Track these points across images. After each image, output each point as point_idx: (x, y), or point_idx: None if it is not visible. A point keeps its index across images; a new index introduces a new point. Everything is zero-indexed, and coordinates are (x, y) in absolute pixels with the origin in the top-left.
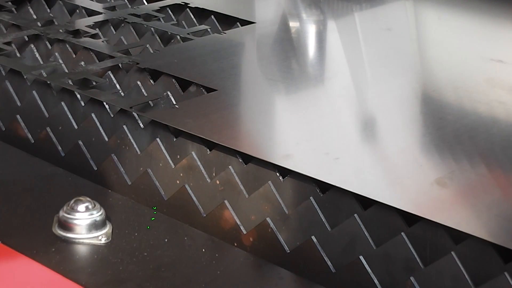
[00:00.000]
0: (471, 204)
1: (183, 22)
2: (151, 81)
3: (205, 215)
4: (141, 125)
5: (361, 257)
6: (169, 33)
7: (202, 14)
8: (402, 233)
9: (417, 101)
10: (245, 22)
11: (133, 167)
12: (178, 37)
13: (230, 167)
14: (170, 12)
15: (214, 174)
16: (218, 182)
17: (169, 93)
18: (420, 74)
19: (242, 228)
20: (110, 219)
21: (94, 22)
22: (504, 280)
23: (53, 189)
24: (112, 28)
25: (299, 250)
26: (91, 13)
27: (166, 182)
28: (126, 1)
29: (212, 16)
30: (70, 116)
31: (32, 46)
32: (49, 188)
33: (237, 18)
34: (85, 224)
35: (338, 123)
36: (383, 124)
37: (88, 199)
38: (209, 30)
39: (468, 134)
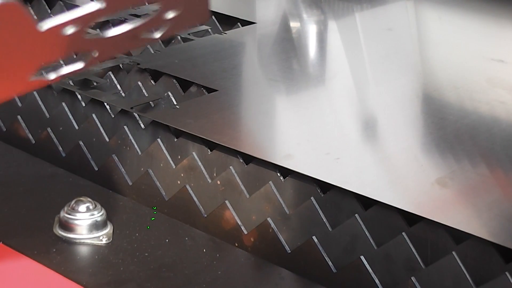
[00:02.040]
0: (472, 204)
1: None
2: (152, 81)
3: (206, 216)
4: (142, 126)
5: (362, 257)
6: None
7: None
8: (403, 233)
9: (418, 101)
10: (245, 23)
11: (134, 168)
12: (179, 37)
13: (231, 167)
14: None
15: (215, 174)
16: (219, 182)
17: (169, 93)
18: (420, 74)
19: (243, 228)
20: (111, 220)
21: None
22: (505, 280)
23: (54, 190)
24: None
25: (300, 250)
26: None
27: (167, 183)
28: None
29: (213, 17)
30: (71, 116)
31: None
32: (50, 189)
33: (238, 18)
34: (86, 225)
35: (339, 123)
36: (384, 124)
37: (89, 199)
38: (209, 30)
39: (469, 134)
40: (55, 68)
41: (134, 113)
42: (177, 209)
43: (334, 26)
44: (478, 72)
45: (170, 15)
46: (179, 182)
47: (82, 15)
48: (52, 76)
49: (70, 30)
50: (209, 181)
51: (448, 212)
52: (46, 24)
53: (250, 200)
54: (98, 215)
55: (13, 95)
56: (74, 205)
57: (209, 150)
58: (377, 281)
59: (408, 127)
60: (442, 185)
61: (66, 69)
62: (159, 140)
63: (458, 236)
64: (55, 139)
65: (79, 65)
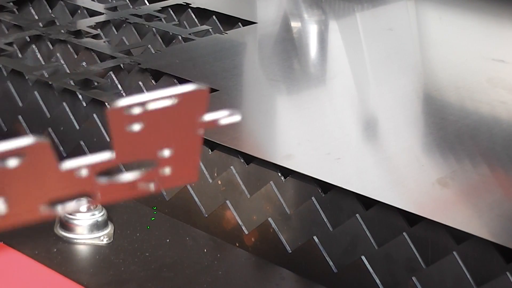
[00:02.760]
0: (473, 204)
1: (184, 22)
2: (153, 81)
3: (206, 216)
4: None
5: (363, 257)
6: (171, 34)
7: (203, 14)
8: (404, 233)
9: (419, 101)
10: (246, 23)
11: None
12: (180, 37)
13: (231, 167)
14: (171, 12)
15: (215, 174)
16: (219, 182)
17: None
18: (421, 74)
19: (243, 228)
20: (112, 220)
21: (96, 23)
22: (506, 280)
23: None
24: (113, 28)
25: (301, 250)
26: (92, 13)
27: None
28: (128, 2)
29: (214, 17)
30: (71, 116)
31: (34, 46)
32: None
33: (239, 18)
34: (86, 225)
35: (339, 123)
36: (385, 124)
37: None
38: (210, 30)
39: (470, 134)
40: (63, 204)
41: None
42: (178, 209)
43: (335, 26)
44: (478, 72)
45: (166, 171)
46: None
47: (95, 163)
48: (60, 210)
49: (83, 174)
50: (210, 181)
51: (449, 212)
52: (65, 166)
53: (251, 200)
54: (99, 215)
55: (20, 223)
56: None
57: (209, 150)
58: (378, 281)
59: (409, 127)
60: (443, 185)
61: (72, 206)
62: None
63: (459, 236)
64: (56, 139)
65: (83, 204)
